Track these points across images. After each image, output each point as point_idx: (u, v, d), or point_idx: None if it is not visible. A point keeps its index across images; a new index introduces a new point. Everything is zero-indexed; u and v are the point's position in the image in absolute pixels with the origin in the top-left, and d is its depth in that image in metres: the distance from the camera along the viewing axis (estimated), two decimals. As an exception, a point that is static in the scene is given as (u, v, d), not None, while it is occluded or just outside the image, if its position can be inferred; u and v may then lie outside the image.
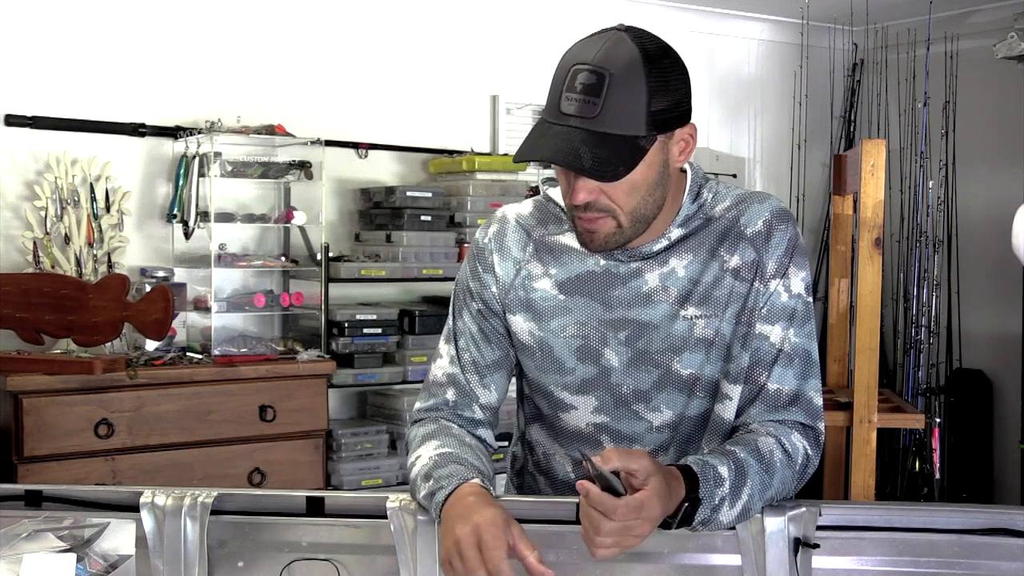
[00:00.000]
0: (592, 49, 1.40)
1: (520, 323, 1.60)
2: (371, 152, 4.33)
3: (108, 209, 3.63)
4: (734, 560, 1.43)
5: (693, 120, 1.49)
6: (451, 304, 1.67)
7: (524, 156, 1.42)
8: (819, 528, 1.42)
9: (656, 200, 1.47)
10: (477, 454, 1.52)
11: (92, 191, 3.60)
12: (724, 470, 1.37)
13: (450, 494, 1.39)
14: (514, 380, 1.69)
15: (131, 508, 1.48)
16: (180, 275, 3.84)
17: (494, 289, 1.61)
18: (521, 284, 1.60)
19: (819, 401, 1.53)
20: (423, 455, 1.50)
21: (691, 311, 1.52)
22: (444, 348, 1.65)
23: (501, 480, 1.75)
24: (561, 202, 1.59)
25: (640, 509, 1.24)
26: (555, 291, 1.58)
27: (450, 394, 1.61)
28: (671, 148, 1.46)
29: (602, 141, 1.37)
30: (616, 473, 1.26)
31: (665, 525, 1.35)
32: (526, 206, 1.66)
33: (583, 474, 1.28)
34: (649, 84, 1.39)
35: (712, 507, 1.35)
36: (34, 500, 1.54)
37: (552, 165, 1.48)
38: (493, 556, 1.29)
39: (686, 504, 1.32)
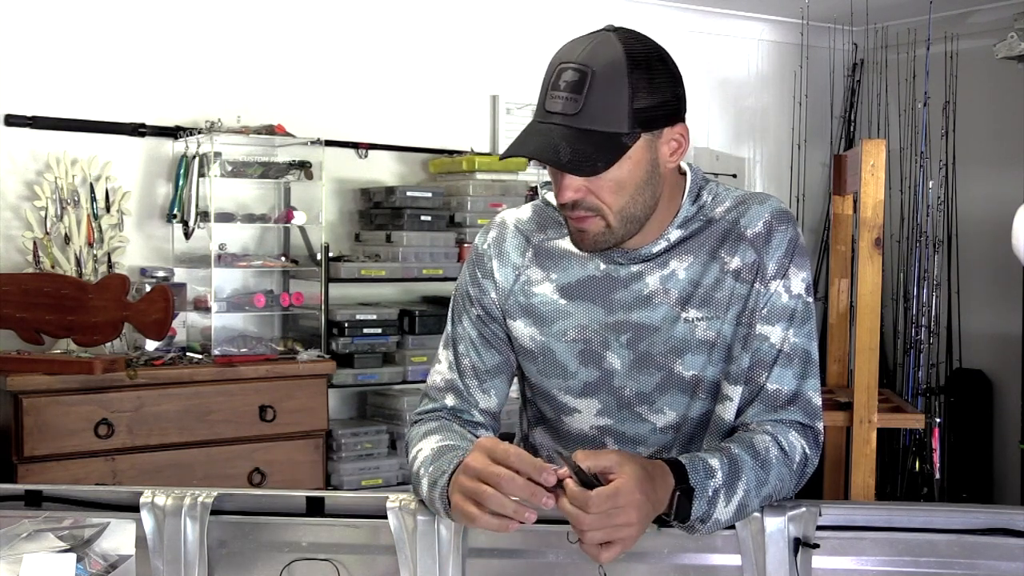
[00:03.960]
0: (578, 48, 1.42)
1: (521, 328, 1.60)
2: (371, 152, 4.33)
3: (108, 209, 3.63)
4: (734, 560, 1.43)
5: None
6: (450, 310, 1.67)
7: (509, 152, 1.44)
8: (819, 528, 1.41)
9: (646, 200, 1.47)
10: None
11: (92, 191, 3.61)
12: (715, 462, 1.37)
13: (453, 471, 1.36)
14: (516, 383, 1.69)
15: (131, 508, 1.48)
16: (180, 275, 3.84)
17: (493, 295, 1.61)
18: (521, 289, 1.60)
19: (818, 401, 1.53)
20: (424, 448, 1.49)
21: (692, 313, 1.52)
22: (443, 354, 1.64)
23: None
24: (559, 206, 1.60)
25: (616, 496, 1.23)
26: (556, 295, 1.57)
27: (449, 399, 1.61)
28: (660, 148, 1.46)
29: (582, 137, 1.38)
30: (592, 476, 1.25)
31: (664, 523, 1.35)
32: (525, 211, 1.66)
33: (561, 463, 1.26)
34: (631, 82, 1.39)
35: (707, 500, 1.34)
36: (34, 500, 1.54)
37: (546, 166, 1.49)
38: (500, 452, 1.27)
39: (678, 493, 1.31)
